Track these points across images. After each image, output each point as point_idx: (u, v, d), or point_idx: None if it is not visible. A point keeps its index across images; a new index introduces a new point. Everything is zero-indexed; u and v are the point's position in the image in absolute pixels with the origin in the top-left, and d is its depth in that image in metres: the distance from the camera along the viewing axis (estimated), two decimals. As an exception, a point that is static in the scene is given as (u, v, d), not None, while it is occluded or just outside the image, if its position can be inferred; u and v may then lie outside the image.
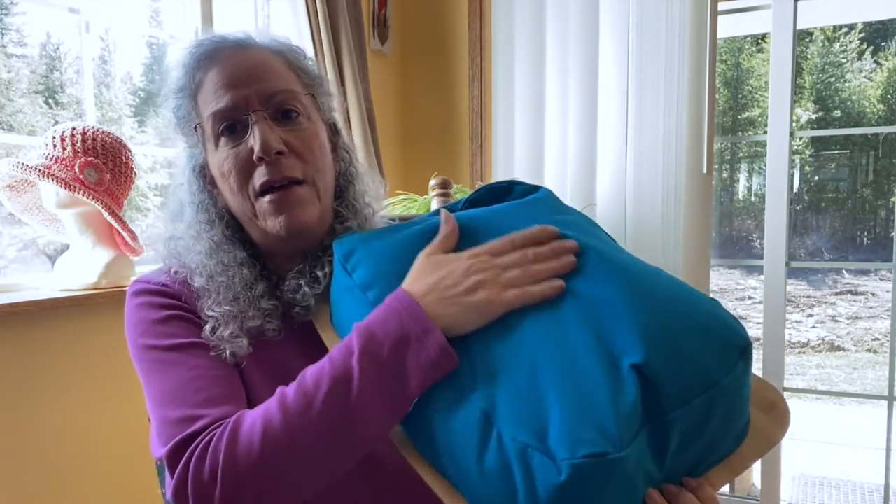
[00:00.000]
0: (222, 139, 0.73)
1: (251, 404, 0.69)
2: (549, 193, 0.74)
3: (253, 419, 0.59)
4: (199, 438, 0.60)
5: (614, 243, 0.70)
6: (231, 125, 0.73)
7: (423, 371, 0.57)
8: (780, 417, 0.63)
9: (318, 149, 0.76)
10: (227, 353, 0.70)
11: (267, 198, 0.72)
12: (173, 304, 0.73)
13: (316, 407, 0.57)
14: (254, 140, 0.71)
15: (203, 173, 0.78)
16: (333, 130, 0.82)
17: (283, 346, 0.75)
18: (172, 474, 0.60)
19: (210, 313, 0.72)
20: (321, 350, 0.71)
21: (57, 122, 1.58)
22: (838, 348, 7.29)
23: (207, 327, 0.71)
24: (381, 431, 0.59)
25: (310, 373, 0.60)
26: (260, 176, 0.72)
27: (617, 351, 0.53)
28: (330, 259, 0.75)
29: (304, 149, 0.74)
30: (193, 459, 0.58)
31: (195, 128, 0.76)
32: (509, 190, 0.76)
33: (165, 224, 0.82)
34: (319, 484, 0.59)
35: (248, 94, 0.72)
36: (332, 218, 0.80)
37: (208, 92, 0.73)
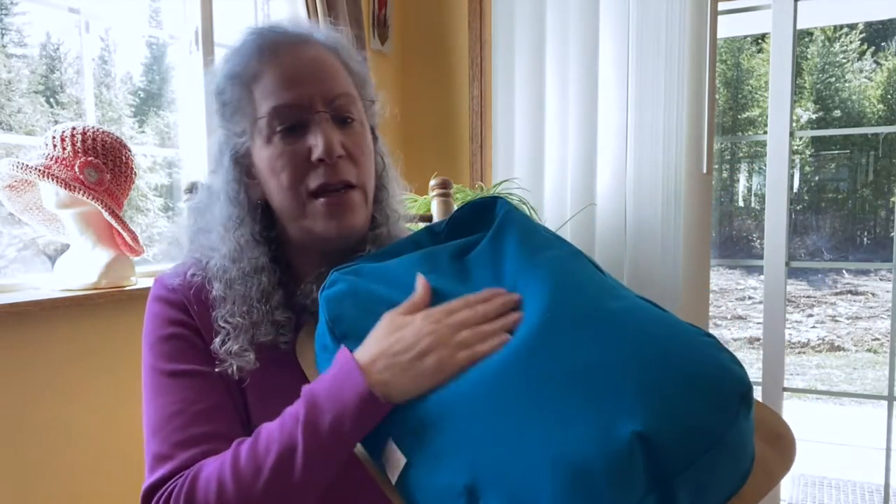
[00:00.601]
0: (278, 134, 0.73)
1: (254, 417, 0.72)
2: (525, 222, 0.72)
3: (208, 477, 0.62)
4: (164, 489, 0.64)
5: (601, 277, 0.68)
6: (291, 122, 0.72)
7: (356, 438, 0.60)
8: (785, 450, 0.61)
9: (368, 153, 0.77)
10: (234, 367, 0.71)
11: (322, 200, 0.72)
12: (178, 318, 0.75)
13: (264, 474, 0.60)
14: (316, 141, 0.71)
15: (242, 162, 0.76)
16: (372, 134, 0.82)
17: (291, 357, 0.75)
18: None
19: (223, 324, 0.73)
20: None
21: (57, 122, 1.58)
22: (838, 348, 7.29)
23: (217, 339, 0.72)
24: (320, 489, 0.62)
25: (264, 432, 0.63)
26: (318, 178, 0.72)
27: (610, 417, 0.51)
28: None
29: (358, 153, 0.75)
30: None
31: (245, 117, 0.74)
32: (491, 207, 0.74)
33: (194, 217, 0.81)
34: None
35: (312, 94, 0.72)
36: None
37: (269, 84, 0.72)
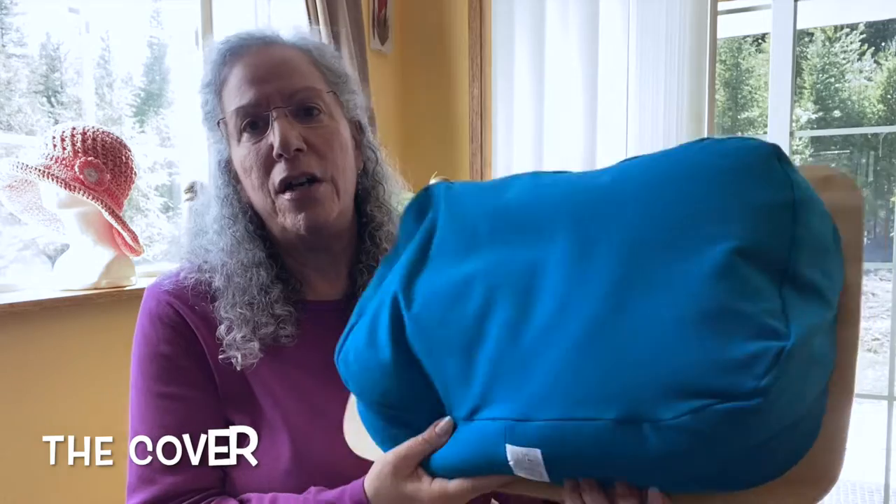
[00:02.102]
0: (245, 135, 0.74)
1: (260, 411, 0.73)
2: (466, 185, 0.69)
3: None
4: None
5: (571, 174, 0.63)
6: (253, 121, 0.74)
7: None
8: (840, 184, 0.55)
9: (339, 147, 0.76)
10: (238, 357, 0.72)
11: (287, 195, 0.73)
12: (169, 337, 0.75)
13: None
14: (274, 137, 0.72)
15: (228, 168, 0.78)
16: (358, 128, 0.82)
17: (299, 352, 0.76)
18: None
19: (224, 314, 0.73)
20: (333, 363, 0.72)
21: (57, 122, 1.58)
22: (838, 348, 7.26)
23: (222, 327, 0.73)
24: None
25: None
26: (279, 172, 0.72)
27: (702, 250, 0.48)
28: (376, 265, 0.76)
29: (324, 146, 0.74)
30: None
31: (218, 123, 0.77)
32: (427, 196, 0.71)
33: (193, 219, 0.82)
34: None
35: (270, 91, 0.73)
36: (354, 216, 0.81)
37: (232, 88, 0.74)
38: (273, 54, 0.75)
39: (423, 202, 0.69)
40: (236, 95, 0.74)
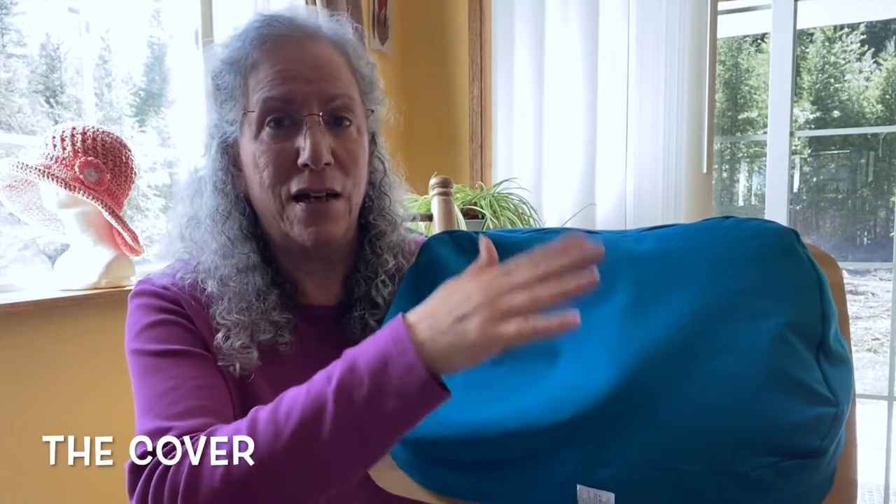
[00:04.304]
0: (266, 130, 0.69)
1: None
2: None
3: (219, 443, 0.56)
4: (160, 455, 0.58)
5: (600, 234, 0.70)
6: (280, 118, 0.69)
7: (399, 412, 0.52)
8: (825, 263, 0.63)
9: (361, 163, 0.74)
10: (237, 365, 0.68)
11: (301, 205, 0.70)
12: (168, 307, 0.71)
13: (283, 441, 0.53)
14: (304, 145, 0.68)
15: (226, 150, 0.74)
16: (371, 139, 0.79)
17: (295, 360, 0.73)
18: (133, 487, 0.57)
19: (221, 321, 0.70)
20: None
21: (57, 122, 1.58)
22: (838, 348, 7.26)
23: (220, 335, 0.69)
24: (354, 471, 0.55)
25: (288, 396, 0.56)
26: (300, 182, 0.69)
27: (758, 322, 0.54)
28: (383, 279, 0.76)
29: (349, 161, 0.71)
30: (154, 477, 0.56)
31: (236, 105, 0.71)
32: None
33: (183, 205, 0.77)
34: None
35: (307, 92, 0.69)
36: (356, 227, 0.78)
37: (265, 75, 0.69)
38: (314, 51, 0.70)
39: (461, 238, 0.73)
40: (268, 85, 0.69)
